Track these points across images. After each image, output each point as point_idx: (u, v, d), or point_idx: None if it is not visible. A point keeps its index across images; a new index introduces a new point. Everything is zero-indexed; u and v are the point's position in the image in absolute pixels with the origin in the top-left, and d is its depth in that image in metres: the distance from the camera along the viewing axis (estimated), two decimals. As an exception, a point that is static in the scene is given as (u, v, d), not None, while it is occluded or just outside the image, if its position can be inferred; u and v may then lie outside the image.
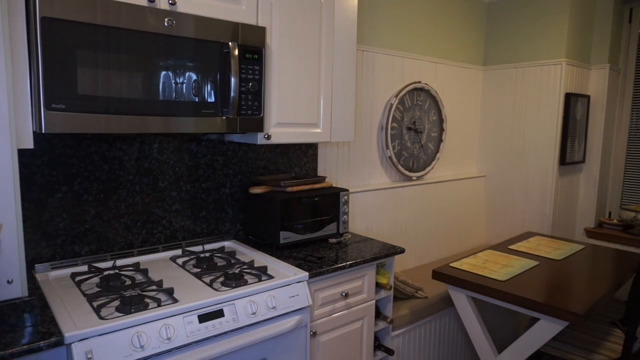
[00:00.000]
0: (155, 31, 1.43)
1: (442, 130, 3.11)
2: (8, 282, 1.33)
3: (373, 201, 2.67)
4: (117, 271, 1.66)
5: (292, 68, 1.89)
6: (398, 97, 2.74)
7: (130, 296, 1.40)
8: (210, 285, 1.56)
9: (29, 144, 1.33)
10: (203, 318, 1.40)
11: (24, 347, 1.12)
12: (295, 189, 2.04)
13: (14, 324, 1.23)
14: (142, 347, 1.26)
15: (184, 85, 1.52)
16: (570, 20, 2.98)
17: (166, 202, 1.93)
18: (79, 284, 1.53)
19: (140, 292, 1.45)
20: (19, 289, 1.35)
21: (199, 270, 1.71)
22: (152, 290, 1.48)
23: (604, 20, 3.18)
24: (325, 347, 1.83)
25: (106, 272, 1.65)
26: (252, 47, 1.67)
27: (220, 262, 1.82)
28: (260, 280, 1.61)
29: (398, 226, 2.83)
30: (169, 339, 1.31)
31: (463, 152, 3.38)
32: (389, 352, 2.15)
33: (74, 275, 1.59)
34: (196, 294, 1.48)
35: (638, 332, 2.06)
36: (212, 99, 1.59)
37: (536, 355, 2.01)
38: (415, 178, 2.96)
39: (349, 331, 1.92)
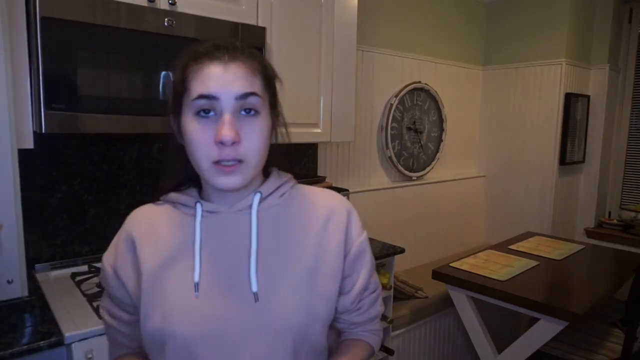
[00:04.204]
0: (155, 31, 1.43)
1: (442, 130, 3.11)
2: (8, 282, 1.33)
3: (373, 201, 2.67)
4: (117, 271, 1.65)
5: (292, 68, 1.89)
6: (398, 97, 2.74)
7: (130, 296, 1.40)
8: (210, 285, 1.56)
9: (29, 144, 1.33)
10: (203, 318, 1.39)
11: (24, 347, 1.12)
12: (295, 189, 2.03)
13: (14, 324, 1.23)
14: (142, 347, 1.26)
15: (184, 85, 1.52)
16: (570, 20, 2.98)
17: (166, 202, 1.93)
18: (79, 284, 1.53)
19: (140, 292, 1.44)
20: (19, 289, 1.35)
21: (199, 270, 1.70)
22: (152, 290, 1.48)
23: (604, 20, 3.17)
24: (325, 347, 1.83)
25: (106, 272, 1.64)
26: (251, 47, 1.67)
27: (220, 262, 1.82)
28: (260, 280, 1.61)
29: (398, 226, 2.83)
30: (169, 339, 1.30)
31: (463, 152, 3.38)
32: (389, 352, 2.15)
33: (74, 275, 1.59)
34: (196, 294, 1.47)
35: (638, 332, 2.06)
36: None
37: (536, 355, 2.01)
38: (415, 178, 2.96)
39: (349, 331, 1.92)
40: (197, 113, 0.68)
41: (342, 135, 2.14)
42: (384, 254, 2.02)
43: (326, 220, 0.78)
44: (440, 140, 3.11)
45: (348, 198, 2.17)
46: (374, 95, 2.68)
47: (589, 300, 1.82)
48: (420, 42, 2.91)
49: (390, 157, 2.77)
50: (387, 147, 2.74)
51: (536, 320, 1.88)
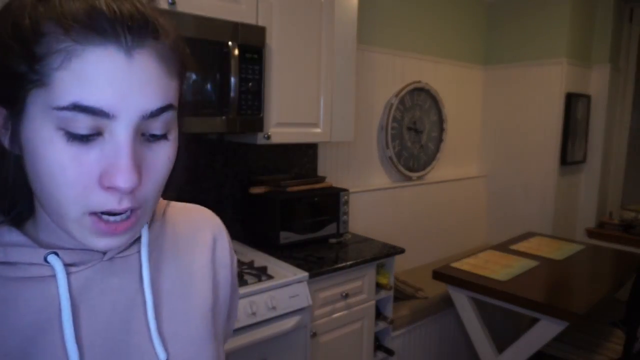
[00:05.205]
0: (154, 31, 1.42)
1: (442, 130, 3.10)
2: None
3: (373, 201, 2.67)
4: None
5: (292, 68, 1.89)
6: (398, 97, 2.74)
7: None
8: (209, 285, 1.55)
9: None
10: (203, 318, 1.39)
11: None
12: (295, 189, 2.03)
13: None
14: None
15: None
16: (571, 19, 2.97)
17: (166, 202, 1.93)
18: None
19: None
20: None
21: (198, 270, 1.70)
22: (152, 291, 1.47)
23: (605, 20, 3.17)
24: (325, 348, 1.83)
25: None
26: (252, 46, 1.67)
27: (220, 262, 1.82)
28: (260, 281, 1.61)
29: (398, 226, 2.82)
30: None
31: (464, 152, 3.37)
32: (390, 352, 2.15)
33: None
34: (196, 294, 1.47)
35: (639, 332, 2.05)
36: (212, 99, 1.59)
37: (537, 355, 2.01)
38: (415, 178, 2.95)
39: (349, 331, 1.92)
40: (66, 131, 0.38)
41: (342, 135, 2.14)
42: (384, 254, 2.02)
43: (214, 244, 0.60)
44: (440, 140, 3.10)
45: (348, 198, 2.17)
46: (374, 95, 2.68)
47: (589, 300, 1.82)
48: (420, 42, 2.90)
49: (390, 157, 2.76)
50: (388, 147, 2.74)
51: (537, 320, 1.88)
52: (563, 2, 2.96)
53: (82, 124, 0.38)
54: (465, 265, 2.19)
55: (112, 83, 0.38)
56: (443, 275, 2.10)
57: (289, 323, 1.61)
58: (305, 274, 1.70)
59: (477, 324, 2.09)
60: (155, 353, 0.49)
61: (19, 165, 0.43)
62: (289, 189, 2.01)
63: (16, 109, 0.40)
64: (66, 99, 0.37)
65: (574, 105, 3.07)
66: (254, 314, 1.50)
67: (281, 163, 2.29)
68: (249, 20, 1.71)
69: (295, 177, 2.26)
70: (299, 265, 1.77)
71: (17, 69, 0.38)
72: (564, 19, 2.97)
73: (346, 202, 2.17)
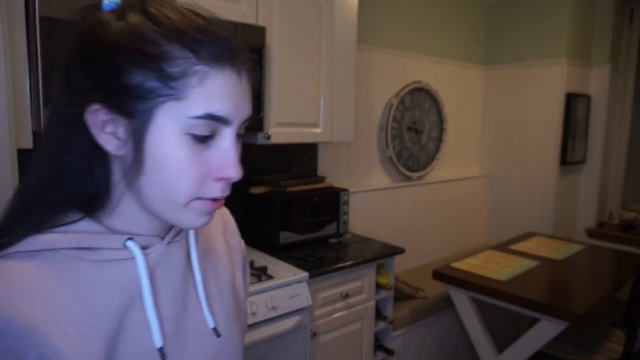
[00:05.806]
0: (154, 31, 1.42)
1: (442, 130, 3.10)
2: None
3: (373, 201, 2.67)
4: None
5: (292, 68, 1.89)
6: (398, 97, 2.74)
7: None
8: (210, 285, 1.55)
9: (28, 144, 1.32)
10: (203, 318, 1.39)
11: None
12: (295, 189, 2.03)
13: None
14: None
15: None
16: (571, 19, 2.97)
17: (166, 202, 1.92)
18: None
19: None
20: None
21: (198, 270, 1.70)
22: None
23: (605, 20, 3.17)
24: (325, 348, 1.83)
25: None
26: (252, 46, 1.67)
27: (220, 262, 1.82)
28: (260, 281, 1.61)
29: (398, 226, 2.82)
30: (168, 339, 1.30)
31: (464, 152, 3.37)
32: (389, 352, 2.15)
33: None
34: (196, 294, 1.47)
35: (639, 332, 2.05)
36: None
37: (537, 355, 2.01)
38: (415, 178, 2.95)
39: (349, 331, 1.92)
40: (193, 135, 0.48)
41: (342, 135, 2.14)
42: (384, 254, 2.02)
43: (224, 227, 0.70)
44: (440, 140, 3.10)
45: (348, 198, 2.17)
46: (374, 95, 2.68)
47: (589, 300, 1.82)
48: (420, 42, 2.90)
49: (390, 157, 2.76)
50: (388, 147, 2.74)
51: (537, 320, 1.88)
52: (563, 2, 2.96)
53: (207, 128, 0.48)
54: (465, 265, 2.19)
55: (232, 97, 0.49)
56: (443, 275, 2.10)
57: (289, 323, 1.61)
58: (305, 274, 1.70)
59: (477, 324, 2.09)
60: (206, 322, 0.59)
61: (109, 164, 0.52)
62: (289, 189, 2.01)
63: (142, 119, 0.47)
64: (201, 110, 0.47)
65: (574, 105, 3.07)
66: (254, 314, 1.50)
67: (281, 163, 2.29)
68: (249, 20, 1.71)
69: (295, 177, 2.26)
70: (299, 265, 1.77)
71: (148, 86, 0.46)
72: (564, 19, 2.97)
73: (346, 202, 2.17)
